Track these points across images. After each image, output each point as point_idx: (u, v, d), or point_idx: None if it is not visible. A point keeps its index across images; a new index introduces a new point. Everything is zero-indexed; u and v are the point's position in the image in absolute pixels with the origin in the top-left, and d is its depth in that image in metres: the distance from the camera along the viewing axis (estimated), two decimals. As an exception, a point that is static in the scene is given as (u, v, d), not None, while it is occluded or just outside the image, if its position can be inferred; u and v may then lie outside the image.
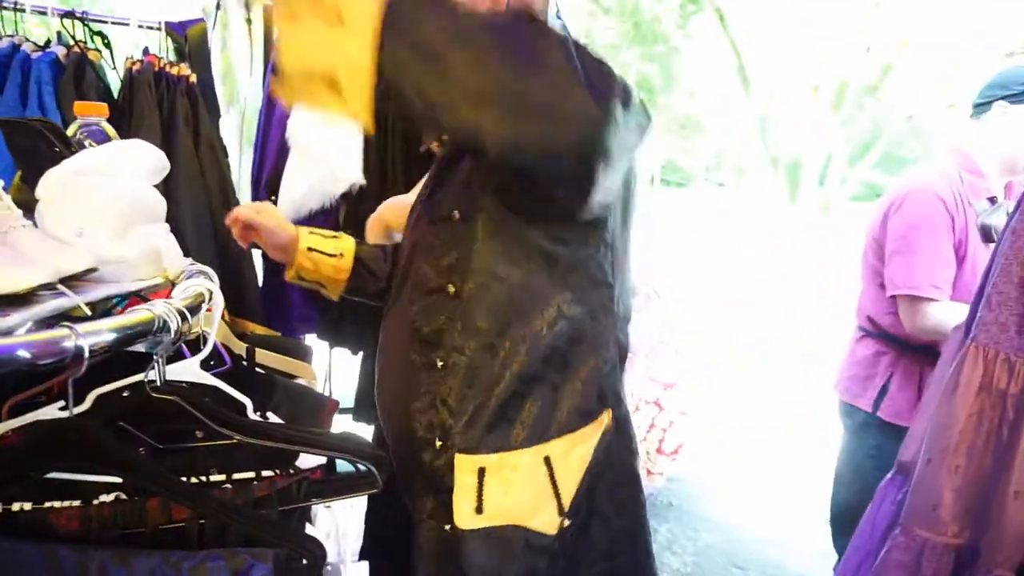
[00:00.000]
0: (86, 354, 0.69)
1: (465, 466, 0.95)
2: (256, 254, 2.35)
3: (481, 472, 0.94)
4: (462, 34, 0.73)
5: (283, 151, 2.36)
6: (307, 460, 1.03)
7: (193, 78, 2.34)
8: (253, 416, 0.99)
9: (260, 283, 2.42)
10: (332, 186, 2.22)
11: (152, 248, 0.93)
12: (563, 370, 0.99)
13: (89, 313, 0.88)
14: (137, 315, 0.77)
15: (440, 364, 0.99)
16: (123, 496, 0.89)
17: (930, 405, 1.21)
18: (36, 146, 1.05)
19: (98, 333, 0.71)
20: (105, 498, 0.88)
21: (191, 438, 0.91)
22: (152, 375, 0.85)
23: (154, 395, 0.84)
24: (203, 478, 0.86)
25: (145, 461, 0.85)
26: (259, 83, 2.71)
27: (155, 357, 0.84)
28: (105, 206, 0.90)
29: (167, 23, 2.42)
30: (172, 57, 2.41)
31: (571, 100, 0.73)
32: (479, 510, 0.94)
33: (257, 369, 1.24)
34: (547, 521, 0.96)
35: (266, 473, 0.88)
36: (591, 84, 0.73)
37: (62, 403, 0.88)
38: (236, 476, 0.89)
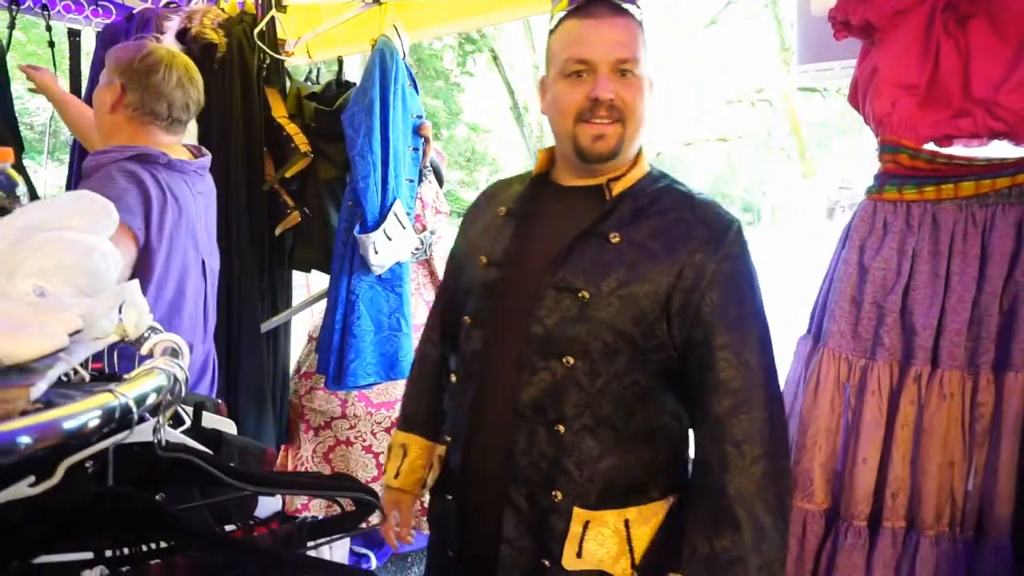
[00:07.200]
0: (135, 417, 0.68)
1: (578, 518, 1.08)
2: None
3: (586, 524, 1.07)
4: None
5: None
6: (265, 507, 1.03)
7: (-5, 107, 2.08)
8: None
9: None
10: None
11: (115, 305, 0.88)
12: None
13: (87, 377, 0.82)
14: (155, 375, 0.75)
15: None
16: (106, 570, 0.83)
17: (785, 401, 1.49)
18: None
19: (141, 395, 0.69)
20: (89, 574, 0.82)
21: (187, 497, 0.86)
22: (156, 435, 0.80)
23: (162, 454, 0.80)
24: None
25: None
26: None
27: (159, 417, 0.80)
28: (74, 263, 0.84)
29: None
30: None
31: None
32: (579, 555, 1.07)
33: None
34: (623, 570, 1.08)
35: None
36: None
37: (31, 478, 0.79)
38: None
